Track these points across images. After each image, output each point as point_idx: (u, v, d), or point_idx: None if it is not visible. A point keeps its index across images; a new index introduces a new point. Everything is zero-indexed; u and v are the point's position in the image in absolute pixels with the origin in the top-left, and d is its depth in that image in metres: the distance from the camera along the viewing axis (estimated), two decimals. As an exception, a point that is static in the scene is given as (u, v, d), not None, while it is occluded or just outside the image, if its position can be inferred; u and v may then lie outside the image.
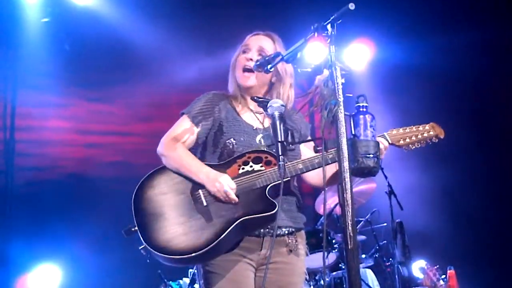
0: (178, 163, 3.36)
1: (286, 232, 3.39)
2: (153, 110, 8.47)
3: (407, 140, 3.33)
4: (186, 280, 7.02)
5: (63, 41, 7.85)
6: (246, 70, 3.56)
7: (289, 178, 3.29)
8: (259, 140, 3.49)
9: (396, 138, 3.32)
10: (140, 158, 7.94)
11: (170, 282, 7.08)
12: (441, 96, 8.16)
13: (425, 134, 3.35)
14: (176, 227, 3.19)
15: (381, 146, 3.05)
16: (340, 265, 6.97)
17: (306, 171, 3.28)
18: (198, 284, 3.56)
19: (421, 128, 3.37)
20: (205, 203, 3.24)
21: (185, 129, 3.50)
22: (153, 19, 7.87)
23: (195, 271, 6.68)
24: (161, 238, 3.16)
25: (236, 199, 3.19)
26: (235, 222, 3.13)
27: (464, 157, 7.99)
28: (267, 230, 3.31)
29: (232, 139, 3.43)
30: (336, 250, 6.89)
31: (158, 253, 3.12)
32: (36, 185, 7.83)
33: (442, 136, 3.39)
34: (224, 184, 3.20)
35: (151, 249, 3.13)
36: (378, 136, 3.19)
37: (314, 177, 3.55)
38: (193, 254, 3.07)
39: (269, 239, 3.31)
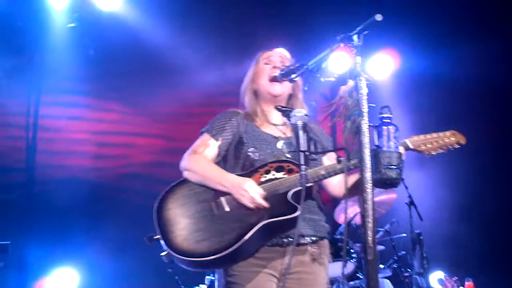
0: (201, 174, 3.38)
1: (309, 241, 3.38)
2: (176, 120, 8.52)
3: (429, 145, 3.30)
4: (203, 287, 7.04)
5: (88, 46, 7.94)
6: (273, 79, 3.58)
7: (311, 186, 3.29)
8: (281, 146, 3.51)
9: (417, 144, 3.30)
10: (160, 169, 7.98)
11: (187, 288, 7.10)
12: (464, 106, 8.12)
13: (446, 140, 3.32)
14: (199, 232, 3.20)
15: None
16: (358, 274, 6.95)
17: (328, 177, 3.27)
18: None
19: (442, 134, 3.34)
20: (227, 209, 3.25)
21: (206, 144, 3.53)
22: (177, 25, 7.92)
23: (213, 278, 6.70)
24: (184, 243, 3.18)
25: (264, 203, 3.19)
26: (257, 225, 3.13)
27: (484, 168, 7.94)
28: (290, 239, 3.29)
29: (253, 148, 3.44)
30: (354, 259, 6.88)
31: (181, 257, 3.12)
32: (55, 191, 7.88)
33: (463, 142, 3.36)
34: (250, 190, 3.20)
35: (174, 253, 3.13)
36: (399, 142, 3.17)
37: (335, 186, 3.57)
38: (216, 256, 3.07)
39: (292, 248, 3.27)
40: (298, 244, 3.33)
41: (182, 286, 7.01)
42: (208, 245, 3.13)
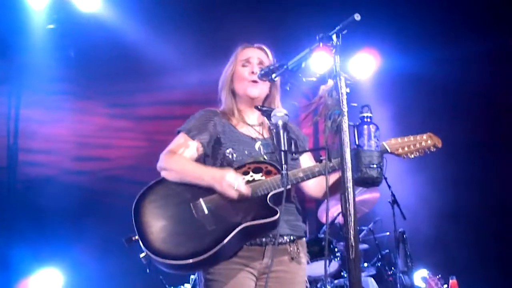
0: (180, 172, 3.37)
1: (288, 240, 3.40)
2: (157, 119, 8.50)
3: (406, 149, 3.33)
4: (188, 286, 7.02)
5: (68, 48, 7.88)
6: (252, 84, 3.61)
7: (289, 187, 3.29)
8: (258, 148, 3.51)
9: (395, 147, 3.32)
10: (143, 167, 7.95)
11: (172, 287, 7.09)
12: (445, 106, 8.16)
13: (423, 144, 3.36)
14: (178, 235, 3.18)
15: None
16: (342, 273, 6.97)
17: (307, 179, 3.29)
18: (199, 291, 3.52)
19: (418, 137, 3.38)
20: (206, 211, 3.23)
21: (182, 144, 3.51)
22: (158, 25, 7.88)
23: (197, 277, 6.69)
24: (162, 246, 3.15)
25: (248, 192, 3.19)
26: (237, 228, 3.12)
27: (467, 167, 7.97)
28: (269, 239, 3.31)
29: (231, 149, 3.44)
30: (338, 258, 6.90)
31: (160, 259, 3.09)
32: (39, 190, 7.83)
33: (439, 146, 3.40)
34: (233, 180, 3.19)
35: (152, 256, 3.11)
36: None
37: (314, 187, 3.59)
38: (195, 259, 3.06)
39: (271, 248, 3.31)
40: (278, 244, 3.31)
41: (167, 286, 6.99)
42: (187, 248, 3.11)
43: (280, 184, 3.19)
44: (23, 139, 7.97)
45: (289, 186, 3.25)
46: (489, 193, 7.81)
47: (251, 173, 3.30)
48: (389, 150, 3.31)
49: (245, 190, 3.19)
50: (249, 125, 3.63)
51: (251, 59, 3.70)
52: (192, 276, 6.89)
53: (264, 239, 3.30)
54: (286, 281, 3.37)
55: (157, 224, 3.23)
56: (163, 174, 3.42)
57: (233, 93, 3.71)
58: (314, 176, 3.27)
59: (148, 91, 8.39)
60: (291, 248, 3.40)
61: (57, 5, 7.61)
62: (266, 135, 3.60)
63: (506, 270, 7.60)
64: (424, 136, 3.38)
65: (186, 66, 8.10)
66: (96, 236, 7.56)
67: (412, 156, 3.36)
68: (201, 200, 3.26)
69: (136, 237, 3.20)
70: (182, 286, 7.17)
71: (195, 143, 3.50)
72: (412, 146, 3.34)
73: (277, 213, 3.13)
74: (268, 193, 3.21)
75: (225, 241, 3.09)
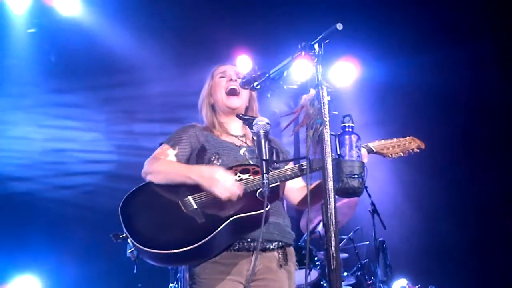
0: (166, 172, 3.36)
1: (276, 246, 3.37)
2: (137, 121, 8.48)
3: (390, 149, 3.39)
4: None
5: (49, 52, 7.82)
6: (230, 92, 3.65)
7: (278, 186, 3.27)
8: (243, 153, 3.50)
9: (380, 147, 3.37)
10: (123, 170, 7.92)
11: (150, 295, 7.05)
12: (426, 114, 8.19)
13: (407, 145, 3.42)
14: (167, 228, 3.15)
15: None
16: (322, 282, 6.95)
17: (294, 177, 3.26)
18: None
19: (402, 139, 3.44)
20: (195, 206, 3.20)
21: (163, 152, 3.52)
22: (138, 30, 7.85)
23: (176, 286, 6.65)
24: (153, 237, 3.10)
25: (239, 190, 3.16)
26: (226, 220, 3.08)
27: (447, 175, 8.02)
28: (257, 243, 3.23)
29: (216, 155, 3.43)
30: (318, 267, 6.89)
31: (150, 250, 3.03)
32: (14, 196, 7.76)
33: (423, 147, 3.46)
34: (222, 177, 3.17)
35: (142, 247, 3.03)
36: (362, 146, 3.19)
37: (297, 195, 3.58)
38: (185, 248, 2.98)
39: (257, 253, 3.27)
40: (265, 249, 3.32)
41: (146, 293, 6.97)
42: (177, 239, 3.05)
43: (272, 180, 3.17)
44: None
45: (277, 183, 3.24)
46: (468, 202, 7.85)
47: (238, 174, 3.28)
48: (374, 150, 3.34)
49: (236, 189, 3.17)
50: (232, 135, 3.64)
51: (228, 72, 3.75)
52: (171, 285, 6.85)
53: (252, 244, 3.27)
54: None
55: (146, 218, 3.20)
56: (149, 177, 3.40)
57: (213, 107, 3.74)
58: (297, 176, 3.26)
59: (128, 94, 8.35)
60: (279, 255, 3.38)
61: (38, 9, 7.53)
62: (249, 143, 3.60)
63: (485, 280, 7.64)
64: (408, 139, 3.45)
65: (167, 70, 8.09)
66: (73, 243, 7.51)
67: (396, 156, 3.42)
68: (189, 197, 3.23)
69: (124, 234, 3.14)
70: (161, 293, 7.14)
71: (175, 151, 3.50)
72: (396, 147, 3.40)
73: (267, 206, 3.07)
74: (258, 189, 3.18)
75: (216, 231, 3.04)
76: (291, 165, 3.48)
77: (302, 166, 3.14)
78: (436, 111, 8.20)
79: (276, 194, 3.30)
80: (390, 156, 3.40)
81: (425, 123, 8.05)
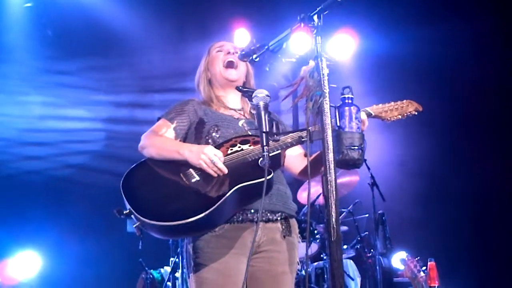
0: (159, 147, 3.36)
1: (279, 217, 3.38)
2: (135, 97, 8.45)
3: (388, 112, 3.39)
4: (167, 269, 7.03)
5: (46, 27, 7.76)
6: (228, 64, 3.66)
7: (279, 154, 3.27)
8: (242, 125, 3.51)
9: (378, 111, 3.37)
10: (122, 147, 7.91)
11: (151, 270, 7.08)
12: (426, 87, 8.15)
13: (404, 108, 3.43)
14: (172, 200, 3.14)
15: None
16: (321, 255, 6.99)
17: (291, 146, 3.26)
18: (187, 276, 3.47)
19: (399, 103, 3.44)
20: (197, 178, 3.20)
21: (161, 125, 3.52)
22: (136, 4, 7.79)
23: (177, 260, 6.68)
24: (158, 210, 3.09)
25: (225, 168, 3.16)
26: (231, 189, 3.08)
27: (446, 149, 8.00)
28: (261, 215, 3.26)
29: (215, 127, 3.43)
30: (318, 240, 6.92)
31: (157, 222, 3.02)
32: (16, 173, 7.77)
33: (421, 109, 3.47)
34: (209, 153, 3.17)
35: (148, 220, 3.02)
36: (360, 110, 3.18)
37: (299, 167, 3.58)
38: (192, 219, 2.97)
39: (262, 225, 3.29)
40: (268, 221, 3.33)
41: (147, 268, 6.99)
42: (183, 210, 3.04)
43: (273, 148, 3.19)
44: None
45: (278, 151, 3.24)
46: (470, 175, 7.85)
47: (238, 145, 3.30)
48: (372, 114, 3.34)
49: (222, 166, 3.17)
50: (230, 109, 3.64)
51: (225, 46, 3.77)
52: (171, 259, 6.89)
53: (256, 215, 3.25)
54: (279, 261, 3.34)
55: (149, 192, 3.20)
56: (144, 152, 3.41)
57: (210, 82, 3.75)
58: (302, 142, 3.24)
59: (126, 71, 8.32)
60: (283, 226, 3.38)
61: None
62: (247, 116, 3.61)
63: (484, 252, 7.67)
64: (405, 102, 3.45)
65: (166, 45, 8.05)
66: (74, 219, 7.54)
67: (394, 119, 3.42)
68: (190, 169, 3.23)
69: (127, 210, 3.13)
70: (161, 269, 7.18)
71: (173, 125, 3.50)
72: (394, 110, 3.40)
73: (270, 173, 3.08)
74: (259, 158, 3.17)
75: (221, 200, 3.04)
76: (300, 149, 3.51)
77: (302, 138, 3.14)
78: (436, 84, 8.17)
79: (277, 162, 3.31)
80: (388, 119, 3.40)
81: (425, 97, 7.99)
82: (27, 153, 8.04)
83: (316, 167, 3.13)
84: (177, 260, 6.69)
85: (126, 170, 3.32)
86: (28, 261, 7.36)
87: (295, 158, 3.57)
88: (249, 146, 3.27)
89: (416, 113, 3.45)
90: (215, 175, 3.18)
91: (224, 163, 3.19)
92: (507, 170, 7.64)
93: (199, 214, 2.98)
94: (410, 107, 3.44)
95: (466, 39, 7.91)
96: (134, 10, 7.76)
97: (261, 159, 3.15)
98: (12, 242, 7.36)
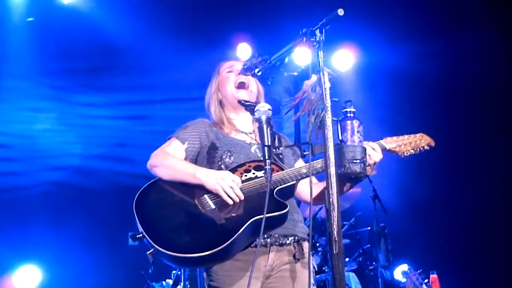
0: (172, 168, 3.33)
1: (292, 240, 3.35)
2: (138, 110, 8.48)
3: (402, 147, 3.38)
4: (170, 282, 7.01)
5: (48, 41, 7.74)
6: (240, 85, 3.64)
7: (294, 184, 3.27)
8: (254, 151, 3.49)
9: (392, 145, 3.37)
10: (126, 160, 7.92)
11: (153, 283, 7.07)
12: (427, 101, 8.17)
13: (417, 142, 3.42)
14: (188, 229, 3.12)
15: (375, 152, 3.14)
16: (323, 268, 6.98)
17: (306, 177, 3.26)
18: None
19: (412, 136, 3.44)
20: (213, 206, 3.18)
21: (172, 145, 3.49)
22: (139, 18, 7.81)
23: (179, 273, 6.68)
24: (174, 241, 3.06)
25: (242, 195, 3.16)
26: (247, 221, 3.06)
27: (448, 162, 8.01)
28: (273, 239, 3.27)
29: (227, 152, 3.41)
30: (320, 253, 6.91)
31: (173, 253, 2.99)
32: (17, 188, 7.77)
33: (433, 145, 3.47)
34: (227, 179, 3.16)
35: (164, 250, 3.00)
36: (375, 143, 3.24)
37: (308, 194, 3.54)
38: (210, 252, 2.95)
39: (276, 248, 3.28)
40: (282, 245, 3.31)
41: (149, 281, 6.98)
42: (199, 242, 3.03)
43: (288, 179, 3.20)
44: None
45: (293, 182, 3.24)
46: (470, 187, 7.85)
47: (252, 171, 3.29)
48: (387, 148, 3.34)
49: (239, 192, 3.17)
50: (242, 132, 3.62)
51: (235, 66, 3.72)
52: (173, 272, 6.88)
53: (268, 240, 3.26)
54: (291, 280, 3.31)
55: (164, 219, 3.17)
56: (154, 171, 3.38)
57: (221, 103, 3.71)
58: (301, 178, 3.27)
59: (130, 85, 8.34)
60: (296, 249, 3.36)
61: (37, -2, 7.52)
62: (259, 141, 3.57)
63: (486, 265, 7.65)
64: (417, 135, 3.45)
65: (169, 60, 8.06)
66: (76, 233, 7.53)
67: (408, 154, 3.41)
68: (206, 196, 3.22)
69: (140, 234, 3.10)
70: (163, 282, 7.16)
71: (184, 146, 3.48)
72: (408, 144, 3.40)
73: (286, 207, 3.10)
74: (274, 188, 3.18)
75: (238, 233, 3.01)
76: (303, 163, 3.52)
77: (304, 152, 3.15)
78: (437, 96, 8.19)
79: (291, 192, 3.34)
80: (402, 154, 3.40)
81: (426, 107, 8.04)
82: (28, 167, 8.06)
83: (321, 198, 3.11)
84: (179, 273, 6.68)
85: (133, 189, 3.28)
86: (28, 276, 7.35)
87: (305, 185, 3.54)
88: (264, 173, 3.21)
89: (428, 148, 3.45)
90: (231, 202, 3.16)
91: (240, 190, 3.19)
92: (508, 181, 7.65)
93: (215, 248, 2.96)
94: (423, 141, 3.44)
95: (466, 52, 7.94)
96: (137, 23, 7.77)
97: (276, 189, 3.17)
98: (12, 256, 7.35)
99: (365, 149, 2.79)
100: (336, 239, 2.53)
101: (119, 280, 7.61)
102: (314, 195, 3.47)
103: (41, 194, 7.84)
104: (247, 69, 3.30)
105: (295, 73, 7.89)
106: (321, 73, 2.70)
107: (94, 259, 7.54)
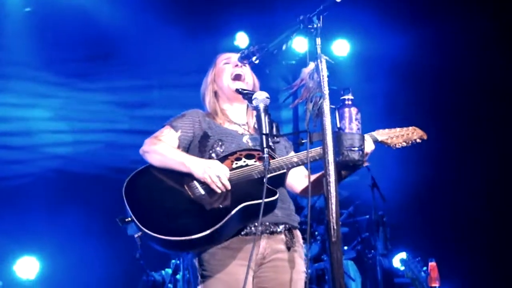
0: (162, 154, 3.34)
1: (283, 229, 3.36)
2: (135, 98, 8.47)
3: (394, 139, 3.41)
4: (169, 271, 7.02)
5: (45, 31, 7.72)
6: (236, 77, 3.64)
7: (284, 173, 3.29)
8: (246, 141, 3.50)
9: (384, 137, 3.39)
10: (123, 150, 7.91)
11: (152, 272, 7.08)
12: (424, 91, 8.17)
13: (410, 135, 3.45)
14: (177, 213, 3.15)
15: (366, 142, 3.10)
16: (322, 256, 7.00)
17: (297, 166, 3.28)
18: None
19: (405, 129, 3.46)
20: (202, 192, 3.21)
21: (166, 133, 3.50)
22: (137, 9, 7.79)
23: (178, 262, 6.68)
24: (162, 223, 3.09)
25: (229, 185, 3.18)
26: (236, 208, 3.08)
27: (444, 151, 8.01)
28: (264, 227, 3.28)
29: (219, 141, 3.42)
30: (318, 241, 6.92)
31: (161, 236, 3.01)
32: (16, 178, 7.76)
33: (425, 138, 3.49)
34: (215, 168, 3.18)
35: (152, 233, 3.02)
36: (366, 134, 3.23)
37: (301, 185, 3.60)
38: (198, 235, 2.98)
39: (266, 236, 3.29)
40: (273, 233, 3.33)
41: (148, 271, 6.98)
42: (188, 226, 3.05)
43: (278, 167, 3.21)
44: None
45: (283, 171, 3.26)
46: (470, 175, 7.86)
47: (243, 159, 3.30)
48: (379, 139, 3.36)
49: (227, 182, 3.18)
50: (234, 123, 3.63)
51: (232, 58, 3.72)
52: (173, 261, 6.88)
53: (259, 228, 3.24)
54: (284, 269, 3.32)
55: (153, 202, 3.20)
56: (146, 156, 3.40)
57: (216, 94, 3.72)
58: (300, 164, 3.27)
59: (127, 75, 8.32)
60: (287, 238, 3.37)
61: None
62: (252, 132, 3.60)
63: (485, 253, 7.68)
64: (410, 128, 3.47)
65: (167, 50, 8.04)
66: (74, 223, 7.51)
67: (400, 146, 3.44)
68: (195, 182, 3.24)
69: (128, 218, 3.12)
70: (163, 271, 7.17)
71: (177, 134, 3.49)
72: (400, 137, 3.42)
73: (276, 193, 3.12)
74: (263, 176, 3.15)
75: (226, 219, 3.03)
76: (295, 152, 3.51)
77: (302, 140, 3.14)
78: (435, 86, 8.19)
79: (282, 181, 3.35)
80: (394, 146, 3.42)
81: (424, 98, 8.04)
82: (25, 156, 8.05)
83: (316, 186, 3.17)
84: (178, 262, 6.69)
85: (128, 175, 3.31)
86: (26, 267, 7.36)
87: (297, 177, 3.58)
88: (255, 161, 3.28)
89: (420, 141, 3.48)
90: (219, 191, 3.19)
91: (229, 178, 3.21)
92: (507, 171, 7.65)
93: (204, 231, 2.99)
94: (415, 134, 3.46)
95: (464, 41, 7.93)
96: (135, 14, 7.75)
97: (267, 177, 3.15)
98: (12, 247, 7.35)
99: (363, 136, 2.78)
100: (335, 227, 2.52)
101: (118, 269, 7.60)
102: (305, 186, 3.55)
103: (38, 182, 7.83)
104: (245, 57, 3.28)
105: (293, 62, 7.89)
106: (318, 60, 2.69)
107: (93, 249, 7.53)
